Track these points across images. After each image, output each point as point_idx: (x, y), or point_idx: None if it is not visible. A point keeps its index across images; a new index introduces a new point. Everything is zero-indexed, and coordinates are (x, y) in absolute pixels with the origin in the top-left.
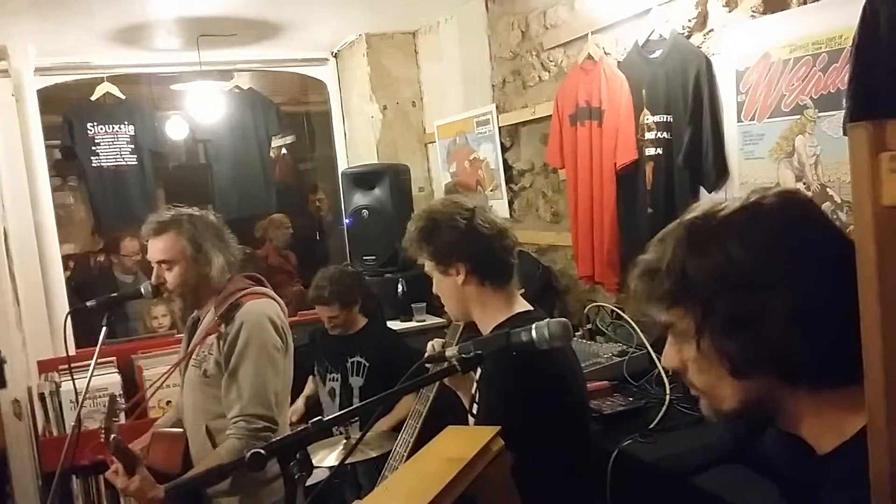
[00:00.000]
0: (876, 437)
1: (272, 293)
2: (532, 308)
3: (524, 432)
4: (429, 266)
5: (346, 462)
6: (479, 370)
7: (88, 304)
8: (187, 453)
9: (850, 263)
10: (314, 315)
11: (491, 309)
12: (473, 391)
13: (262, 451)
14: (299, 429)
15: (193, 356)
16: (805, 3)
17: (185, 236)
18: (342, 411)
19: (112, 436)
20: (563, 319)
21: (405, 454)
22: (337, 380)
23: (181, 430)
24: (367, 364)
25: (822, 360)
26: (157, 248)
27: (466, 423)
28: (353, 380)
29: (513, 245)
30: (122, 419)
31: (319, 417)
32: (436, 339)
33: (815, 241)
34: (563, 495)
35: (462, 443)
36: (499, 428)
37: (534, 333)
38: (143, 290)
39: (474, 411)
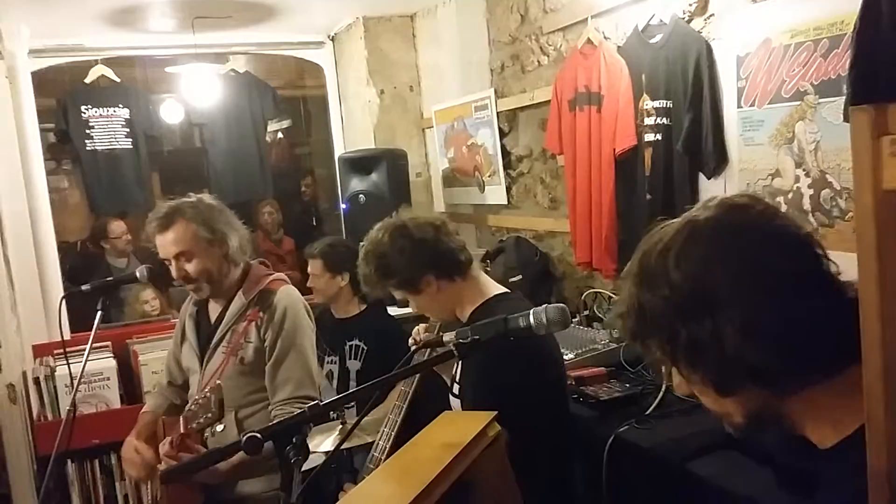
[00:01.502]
0: (873, 425)
1: (286, 277)
2: (508, 290)
3: (509, 411)
4: (400, 294)
5: (343, 447)
6: (459, 362)
7: (83, 287)
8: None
9: (802, 258)
10: (310, 300)
11: (467, 298)
12: (454, 371)
13: (259, 435)
14: (295, 412)
15: (224, 345)
16: None
17: (196, 221)
18: (338, 396)
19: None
20: (561, 305)
21: (392, 435)
22: (335, 362)
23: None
24: (366, 348)
25: (792, 363)
26: (168, 242)
27: (449, 403)
28: (350, 363)
29: (453, 232)
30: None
31: (316, 401)
32: (420, 325)
33: (756, 249)
34: (544, 472)
35: (458, 428)
36: (495, 413)
37: (531, 319)
38: (138, 274)
39: (455, 391)
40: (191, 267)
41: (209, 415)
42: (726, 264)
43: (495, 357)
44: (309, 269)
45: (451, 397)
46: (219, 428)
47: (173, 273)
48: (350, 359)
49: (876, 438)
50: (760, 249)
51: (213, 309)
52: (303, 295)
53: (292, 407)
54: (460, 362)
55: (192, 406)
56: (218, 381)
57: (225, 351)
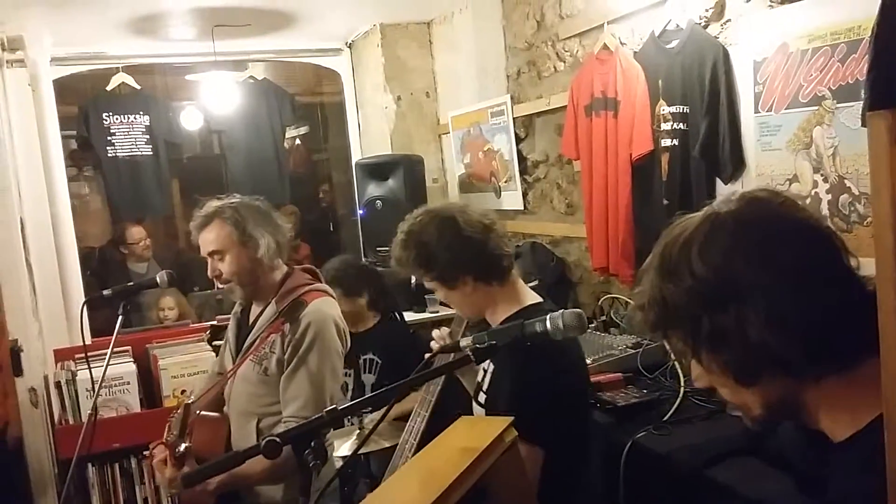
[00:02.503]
0: (892, 427)
1: (328, 288)
2: (542, 300)
3: (541, 421)
4: (431, 284)
5: (360, 452)
6: (490, 371)
7: (105, 292)
8: (229, 438)
9: (823, 251)
10: None
11: (501, 304)
12: (480, 379)
13: (277, 439)
14: (313, 417)
15: (253, 351)
16: None
17: (230, 222)
18: (355, 401)
19: (183, 446)
20: (578, 310)
21: (415, 443)
22: (349, 375)
23: (220, 414)
24: (380, 361)
25: (813, 351)
26: (206, 241)
27: (472, 411)
28: (365, 377)
29: (503, 235)
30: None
31: (334, 406)
32: (442, 328)
33: (778, 241)
34: (567, 479)
35: (475, 433)
36: (512, 419)
37: (548, 324)
38: (158, 279)
39: (481, 400)
40: (223, 266)
41: (175, 433)
42: (748, 256)
43: (535, 365)
44: None
45: (474, 405)
46: (181, 448)
47: (209, 271)
48: (365, 372)
49: (894, 439)
50: (782, 241)
51: (254, 312)
52: None
53: (289, 424)
54: (490, 371)
55: (171, 418)
56: (189, 400)
57: (253, 359)
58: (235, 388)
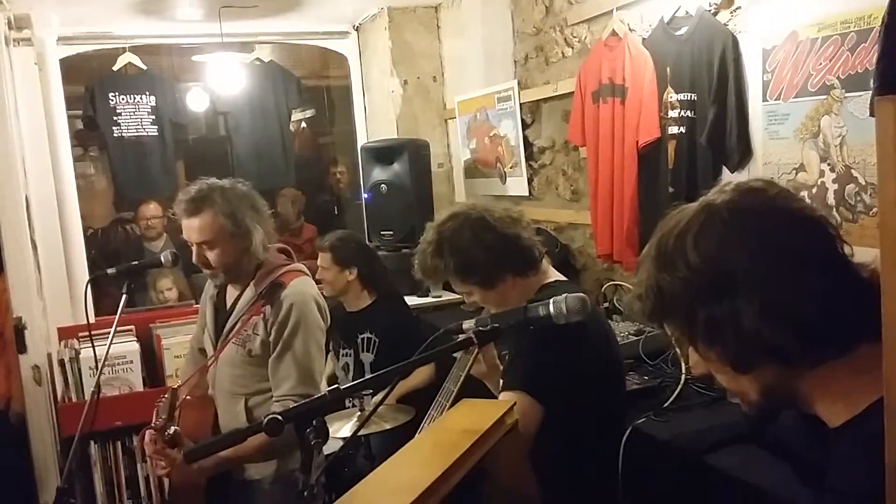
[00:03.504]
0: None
1: (304, 267)
2: (561, 277)
3: (538, 379)
4: (468, 289)
5: (361, 434)
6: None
7: (109, 271)
8: (216, 420)
9: (817, 239)
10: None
11: (530, 287)
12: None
13: (280, 417)
14: (315, 396)
15: (234, 334)
16: None
17: (223, 213)
18: (356, 381)
19: (172, 429)
20: (581, 294)
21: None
22: (349, 355)
23: (206, 395)
24: (377, 340)
25: (808, 339)
26: (194, 229)
27: None
28: (363, 355)
29: (529, 225)
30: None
31: (336, 386)
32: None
33: (772, 230)
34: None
35: (477, 415)
36: (514, 402)
37: (551, 308)
38: (162, 258)
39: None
40: (211, 256)
41: (163, 417)
42: (743, 246)
43: (537, 344)
44: (318, 262)
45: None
46: (171, 430)
47: (193, 257)
48: (363, 351)
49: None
50: (776, 231)
51: (231, 295)
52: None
53: (285, 403)
54: (507, 354)
55: (159, 403)
56: (176, 385)
57: (235, 341)
58: (219, 371)
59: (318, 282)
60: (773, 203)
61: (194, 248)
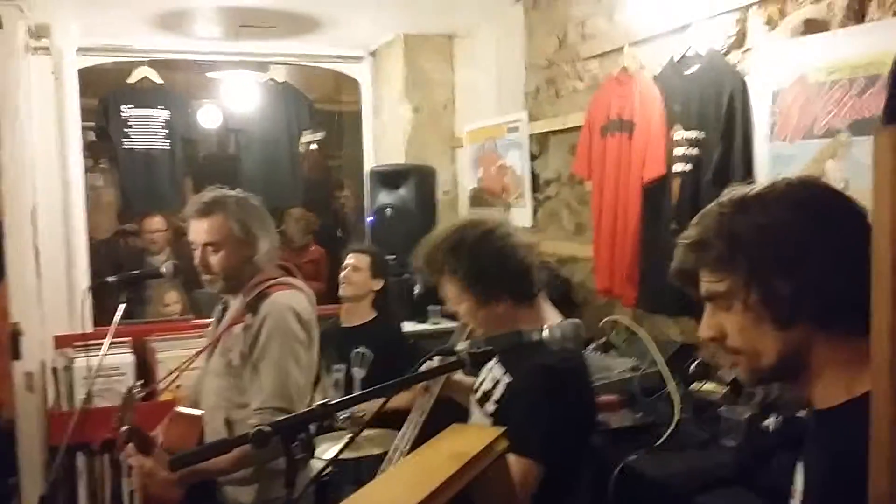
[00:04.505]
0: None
1: (301, 283)
2: (563, 321)
3: (549, 444)
4: (460, 297)
5: (350, 458)
6: (505, 383)
7: (109, 279)
8: (203, 436)
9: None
10: (331, 311)
11: (524, 323)
12: (488, 388)
13: (267, 429)
14: (304, 410)
15: (220, 344)
16: (845, 26)
17: (234, 218)
18: (346, 397)
19: (125, 427)
20: (576, 321)
21: (406, 449)
22: (341, 370)
23: (200, 412)
24: (372, 355)
25: (857, 305)
26: (202, 230)
27: (466, 420)
28: (354, 370)
29: (537, 254)
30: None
31: (326, 400)
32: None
33: (842, 206)
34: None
35: (466, 440)
36: (504, 429)
37: (545, 333)
38: (163, 269)
39: (489, 409)
40: (214, 259)
41: (119, 417)
42: (822, 209)
43: (546, 395)
44: (352, 261)
45: (477, 414)
46: (123, 430)
47: (195, 258)
48: (355, 366)
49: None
50: (846, 213)
51: (230, 308)
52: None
53: (262, 416)
54: (504, 383)
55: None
56: (132, 389)
57: (220, 352)
58: (207, 383)
59: (347, 283)
60: (839, 194)
61: (199, 251)
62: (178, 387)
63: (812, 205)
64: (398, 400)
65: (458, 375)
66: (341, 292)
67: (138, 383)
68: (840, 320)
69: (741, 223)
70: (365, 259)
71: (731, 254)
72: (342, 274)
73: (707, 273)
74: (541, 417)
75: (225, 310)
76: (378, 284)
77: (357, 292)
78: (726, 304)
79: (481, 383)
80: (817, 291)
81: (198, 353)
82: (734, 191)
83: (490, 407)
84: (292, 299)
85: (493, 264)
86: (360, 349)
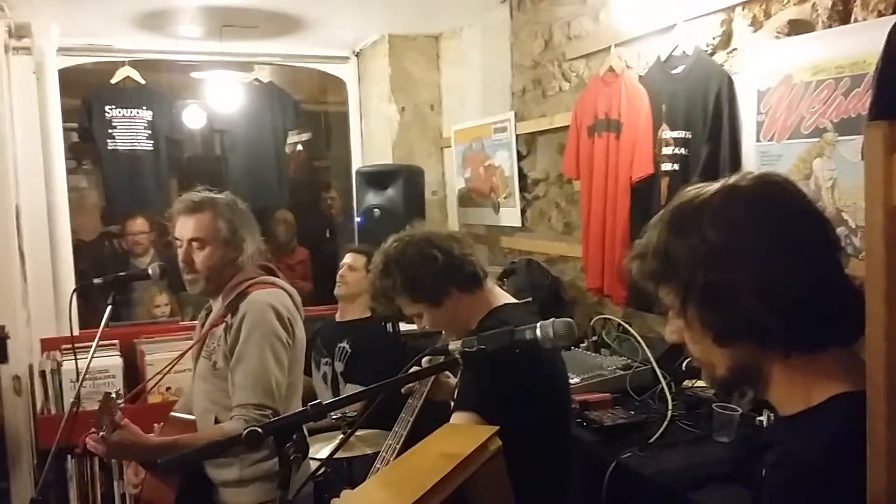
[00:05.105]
0: (874, 441)
1: (282, 282)
2: (511, 300)
3: (489, 400)
4: (416, 309)
5: (342, 458)
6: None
7: (95, 281)
8: None
9: (822, 241)
10: (319, 312)
11: (480, 307)
12: (455, 383)
13: (260, 430)
14: (297, 410)
15: (204, 347)
16: (830, 27)
17: (223, 218)
18: (341, 396)
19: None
20: (569, 319)
21: (397, 448)
22: (329, 364)
23: (192, 416)
24: (350, 350)
25: (791, 329)
26: (189, 226)
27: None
28: (336, 364)
29: (472, 245)
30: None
31: (318, 401)
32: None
33: (786, 220)
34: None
35: (459, 440)
36: (497, 428)
37: (538, 332)
38: (150, 271)
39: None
40: (198, 256)
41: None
42: (756, 230)
43: (492, 365)
44: (349, 261)
45: (452, 404)
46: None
47: (179, 255)
48: (337, 360)
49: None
50: (789, 223)
51: (213, 311)
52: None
53: (243, 413)
54: (460, 380)
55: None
56: (110, 394)
57: (204, 354)
58: (196, 386)
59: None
60: (791, 198)
61: (184, 247)
62: (167, 389)
63: (752, 225)
64: None
65: (445, 377)
66: (336, 290)
67: (115, 390)
68: (780, 344)
69: (675, 244)
70: (360, 259)
71: (665, 272)
72: (339, 273)
73: (652, 285)
74: (483, 378)
75: (209, 314)
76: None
77: (351, 291)
78: (675, 315)
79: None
80: (749, 321)
81: (181, 356)
82: (686, 193)
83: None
84: (271, 297)
85: (421, 266)
86: (342, 343)
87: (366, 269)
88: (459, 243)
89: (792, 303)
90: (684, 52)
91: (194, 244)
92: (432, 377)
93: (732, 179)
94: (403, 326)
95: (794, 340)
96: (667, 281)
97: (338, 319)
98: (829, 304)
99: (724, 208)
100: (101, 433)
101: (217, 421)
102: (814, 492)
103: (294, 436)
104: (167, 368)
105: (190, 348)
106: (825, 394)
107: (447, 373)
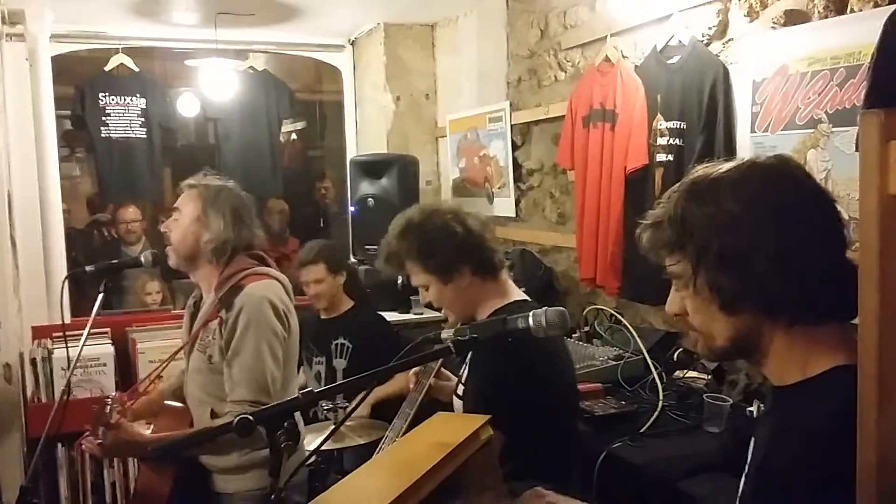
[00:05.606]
0: (864, 427)
1: (275, 272)
2: (524, 297)
3: (511, 413)
4: (425, 279)
5: (334, 448)
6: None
7: (87, 268)
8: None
9: (832, 221)
10: (308, 301)
11: (491, 300)
12: (460, 372)
13: (251, 417)
14: (288, 398)
15: (198, 341)
16: (826, 17)
17: (202, 198)
18: (332, 385)
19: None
20: (561, 308)
21: (396, 440)
22: (322, 363)
23: (184, 405)
24: (351, 346)
25: (800, 298)
26: (178, 199)
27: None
28: (336, 362)
29: (495, 235)
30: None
31: (309, 389)
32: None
33: (801, 198)
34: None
35: (450, 428)
36: (488, 417)
37: (531, 320)
38: (142, 258)
39: (459, 391)
40: (173, 226)
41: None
42: (775, 202)
43: (506, 360)
44: (310, 276)
45: (454, 399)
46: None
47: (164, 223)
48: (336, 357)
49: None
50: (806, 198)
51: (204, 304)
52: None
53: (238, 410)
54: (468, 365)
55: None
56: (109, 396)
57: (199, 348)
58: (190, 379)
59: (317, 296)
60: (806, 177)
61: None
62: (158, 377)
63: (769, 197)
64: (386, 389)
65: (445, 379)
66: (316, 306)
67: (112, 396)
68: (787, 312)
69: (692, 212)
70: (318, 268)
71: (680, 240)
72: (308, 292)
73: (664, 253)
74: (493, 381)
75: (197, 304)
76: (342, 278)
77: (329, 299)
78: (682, 284)
79: (459, 380)
80: (761, 286)
81: (175, 353)
82: (702, 169)
83: (460, 389)
84: (267, 290)
85: (441, 236)
86: (340, 340)
87: (328, 273)
88: (485, 227)
89: (804, 271)
90: (680, 42)
91: (173, 213)
92: (433, 371)
93: (751, 156)
94: (394, 316)
95: (802, 308)
96: (680, 248)
97: (324, 316)
98: (835, 279)
99: (742, 180)
100: (97, 439)
101: (213, 412)
102: (827, 462)
103: (285, 423)
104: (162, 368)
105: (181, 348)
106: (823, 365)
107: (447, 373)
